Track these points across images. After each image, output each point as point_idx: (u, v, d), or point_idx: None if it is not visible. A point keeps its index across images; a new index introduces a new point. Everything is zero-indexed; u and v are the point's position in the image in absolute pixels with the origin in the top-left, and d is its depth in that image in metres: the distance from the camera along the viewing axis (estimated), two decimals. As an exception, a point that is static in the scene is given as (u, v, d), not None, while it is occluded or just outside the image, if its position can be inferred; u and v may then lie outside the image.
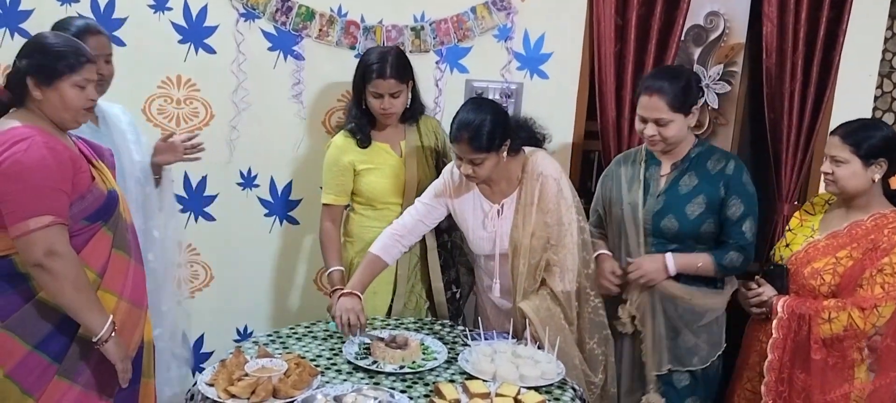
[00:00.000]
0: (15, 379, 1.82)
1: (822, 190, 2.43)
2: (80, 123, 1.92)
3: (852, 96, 2.97)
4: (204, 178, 2.86)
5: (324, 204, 2.60)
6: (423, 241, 2.62)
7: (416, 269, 2.67)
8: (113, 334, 1.84)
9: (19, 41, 2.58)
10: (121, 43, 2.69)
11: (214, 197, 2.90)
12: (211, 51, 2.75)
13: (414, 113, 2.62)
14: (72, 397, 1.86)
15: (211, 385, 1.94)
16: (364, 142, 2.55)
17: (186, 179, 2.86)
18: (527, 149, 2.40)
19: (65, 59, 1.83)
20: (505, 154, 2.29)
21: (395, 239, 2.46)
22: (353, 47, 2.80)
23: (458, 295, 2.73)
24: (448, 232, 2.67)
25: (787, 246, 2.34)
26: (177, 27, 2.71)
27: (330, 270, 2.56)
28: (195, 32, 2.73)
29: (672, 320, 2.41)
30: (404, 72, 2.49)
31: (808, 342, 2.17)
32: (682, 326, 2.41)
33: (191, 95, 2.78)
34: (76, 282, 1.78)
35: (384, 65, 2.44)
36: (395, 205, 2.61)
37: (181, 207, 2.86)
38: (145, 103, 2.75)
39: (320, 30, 2.78)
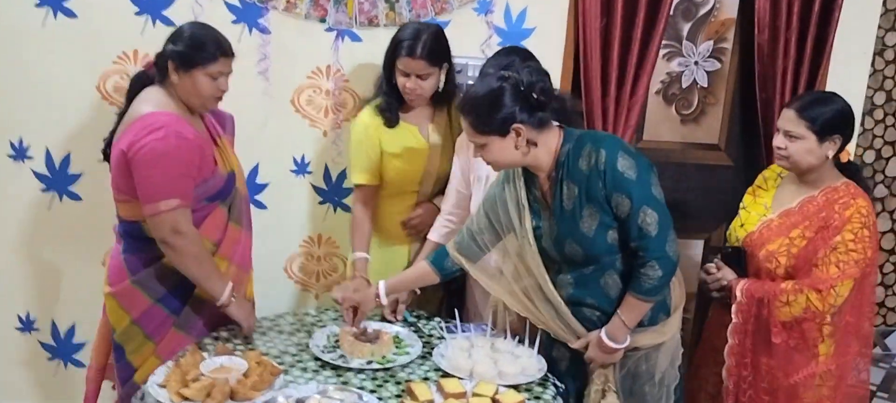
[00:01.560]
0: (140, 325, 2.12)
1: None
2: (206, 109, 2.12)
3: (846, 74, 2.86)
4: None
5: (355, 185, 2.48)
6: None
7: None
8: (234, 298, 2.08)
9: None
10: (71, 14, 2.50)
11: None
12: (170, 23, 2.55)
13: (447, 96, 2.46)
14: (186, 344, 2.07)
15: (163, 386, 1.80)
16: (391, 122, 2.42)
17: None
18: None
19: (204, 50, 2.02)
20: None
21: (444, 220, 2.37)
22: (323, 20, 2.63)
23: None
24: None
25: (742, 225, 2.28)
26: (133, -2, 2.53)
27: (354, 256, 2.45)
28: (152, 3, 2.54)
29: (628, 381, 2.03)
30: (438, 54, 2.34)
31: (769, 325, 2.14)
32: (640, 384, 2.04)
33: (149, 71, 2.59)
34: (197, 257, 2.03)
35: (415, 43, 2.30)
36: (411, 194, 2.49)
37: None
38: (100, 80, 2.57)
39: (288, 1, 2.60)
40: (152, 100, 2.04)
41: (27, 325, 2.77)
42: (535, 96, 1.84)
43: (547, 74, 1.92)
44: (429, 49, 2.31)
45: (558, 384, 2.01)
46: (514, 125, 1.84)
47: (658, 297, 1.93)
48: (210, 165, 2.08)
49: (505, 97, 1.83)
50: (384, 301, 2.17)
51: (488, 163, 1.95)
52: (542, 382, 1.98)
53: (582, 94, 2.72)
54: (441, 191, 2.52)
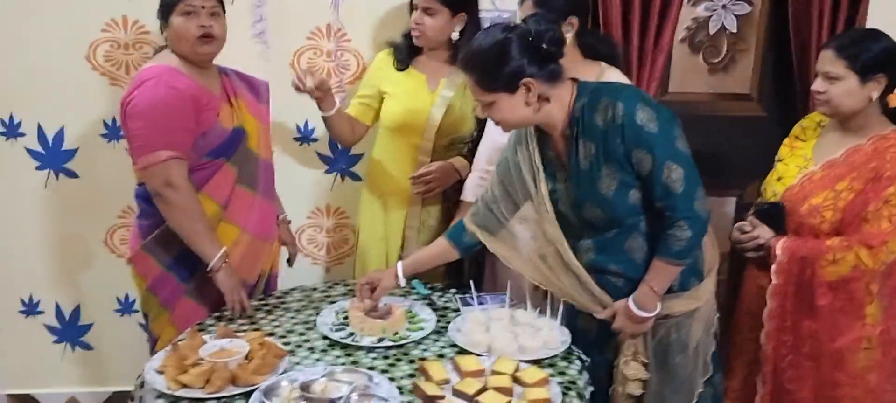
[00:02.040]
0: (154, 292, 2.08)
1: None
2: (201, 54, 1.99)
3: (889, 12, 2.63)
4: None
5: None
6: (445, 194, 2.38)
7: (427, 226, 2.40)
8: (224, 264, 1.97)
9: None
10: (56, -19, 2.36)
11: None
12: (160, -15, 2.41)
13: None
14: (200, 316, 2.03)
15: (161, 372, 1.68)
16: (401, 64, 2.33)
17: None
18: (600, 64, 2.09)
19: None
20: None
21: (479, 178, 2.23)
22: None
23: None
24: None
25: (780, 179, 2.10)
26: (119, -40, 2.38)
27: None
28: (140, -34, 2.39)
29: (659, 354, 1.87)
30: None
31: (813, 286, 2.00)
32: (673, 354, 1.87)
33: (140, 38, 2.45)
34: (189, 213, 1.94)
35: None
36: (410, 147, 2.34)
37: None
38: (89, 49, 2.43)
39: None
40: (155, 60, 2.01)
41: (30, 308, 2.68)
42: (544, 47, 1.67)
43: (557, 23, 1.74)
44: None
45: (584, 357, 1.87)
46: (524, 80, 1.68)
47: (688, 260, 1.77)
48: (210, 118, 1.98)
49: (512, 49, 1.66)
50: (403, 282, 2.03)
51: (497, 123, 1.78)
52: (567, 355, 1.83)
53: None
54: (458, 153, 2.38)
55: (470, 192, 2.26)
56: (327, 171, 2.70)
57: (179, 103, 1.92)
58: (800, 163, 2.10)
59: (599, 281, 1.83)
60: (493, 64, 1.67)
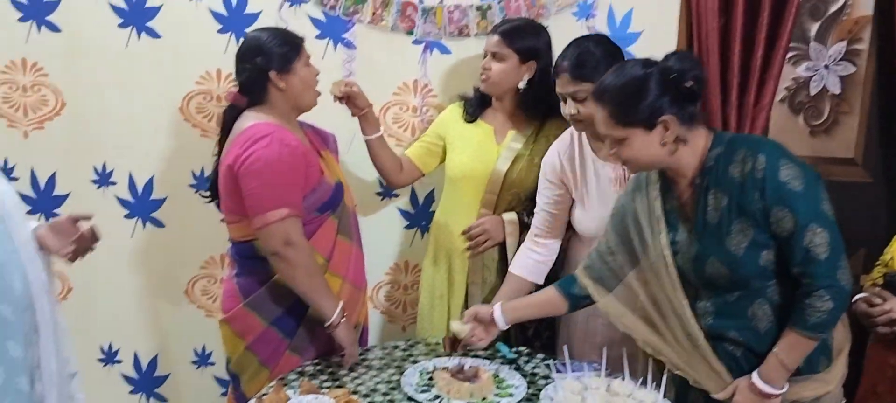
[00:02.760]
0: (254, 351, 2.05)
1: None
2: (315, 102, 2.07)
3: None
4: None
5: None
6: (502, 245, 2.28)
7: (492, 278, 2.31)
8: (343, 319, 1.96)
9: (46, 34, 2.38)
10: (155, 35, 2.41)
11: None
12: (253, 41, 2.44)
13: (537, 105, 2.26)
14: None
15: (244, 428, 1.62)
16: (470, 116, 2.31)
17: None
18: None
19: (290, 43, 2.01)
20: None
21: (528, 249, 2.16)
22: (410, 32, 2.47)
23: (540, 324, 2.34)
24: None
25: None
26: (216, 15, 2.42)
27: None
28: (236, 21, 2.43)
29: None
30: (519, 39, 2.21)
31: None
32: None
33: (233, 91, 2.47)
34: (308, 270, 1.94)
35: (503, 24, 2.28)
36: (473, 200, 2.28)
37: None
38: (183, 101, 2.47)
39: (373, 13, 2.45)
40: (252, 118, 2.00)
41: (109, 357, 2.68)
42: (686, 86, 1.58)
43: (699, 63, 1.66)
44: (511, 29, 2.21)
45: (690, 434, 1.72)
46: (663, 117, 1.59)
47: (824, 334, 1.60)
48: (316, 174, 2.01)
49: (651, 84, 1.58)
50: (502, 325, 1.94)
51: (624, 163, 1.68)
52: (671, 432, 1.69)
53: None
54: (517, 208, 2.29)
55: (517, 264, 2.17)
56: (407, 227, 2.65)
57: (294, 161, 1.93)
58: None
59: (716, 348, 1.69)
60: (632, 97, 1.59)
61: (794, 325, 1.58)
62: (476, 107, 2.32)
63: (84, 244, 1.62)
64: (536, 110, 2.27)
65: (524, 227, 2.26)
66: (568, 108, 2.00)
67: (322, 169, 2.04)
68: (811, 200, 1.55)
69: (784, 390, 1.62)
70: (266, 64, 1.98)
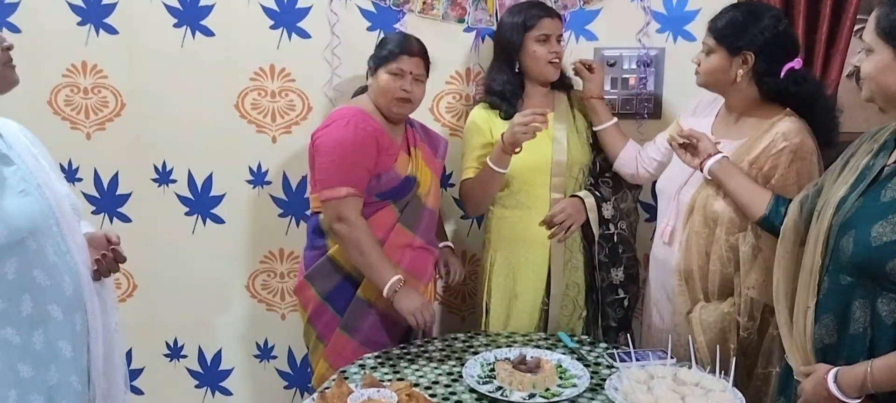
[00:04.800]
0: (312, 324, 2.19)
1: None
2: (395, 113, 2.10)
3: None
4: (303, 179, 2.57)
5: (463, 181, 2.28)
6: (582, 230, 2.26)
7: (571, 267, 2.28)
8: (400, 287, 2.00)
9: (105, 37, 2.44)
10: (209, 33, 2.45)
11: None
12: (306, 35, 2.46)
13: (564, 77, 2.30)
14: (350, 350, 2.11)
15: (309, 421, 1.63)
16: (510, 112, 2.21)
17: (286, 181, 2.58)
18: (788, 111, 1.92)
19: (385, 48, 2.10)
20: (744, 71, 1.74)
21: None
22: (461, 20, 2.44)
23: (625, 302, 2.30)
24: (614, 221, 2.27)
25: None
26: (267, 11, 2.44)
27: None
28: (287, 16, 2.44)
29: None
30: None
31: None
32: None
33: (285, 86, 2.50)
34: (360, 246, 2.02)
35: (545, 5, 2.25)
36: (542, 188, 2.23)
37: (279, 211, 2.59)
38: (238, 98, 2.50)
39: (424, 3, 2.43)
40: (353, 102, 2.16)
41: (175, 352, 2.74)
42: None
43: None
44: (556, 10, 2.28)
45: (761, 424, 1.67)
46: None
47: None
48: (388, 162, 2.07)
49: None
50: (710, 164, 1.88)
51: (861, 77, 1.51)
52: (743, 422, 1.64)
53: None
54: (582, 186, 2.28)
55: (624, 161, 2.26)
56: (462, 217, 2.63)
57: (363, 144, 2.01)
58: None
59: (815, 323, 1.55)
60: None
61: None
62: (510, 102, 2.24)
63: (107, 264, 1.63)
64: (561, 83, 2.30)
65: (599, 202, 2.25)
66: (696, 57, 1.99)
67: (396, 158, 2.09)
68: None
69: (842, 397, 1.45)
70: (370, 58, 2.14)
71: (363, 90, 2.20)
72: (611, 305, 2.29)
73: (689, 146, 1.94)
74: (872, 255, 1.42)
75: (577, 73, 2.30)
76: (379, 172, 2.06)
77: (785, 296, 1.64)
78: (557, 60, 2.22)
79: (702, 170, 1.91)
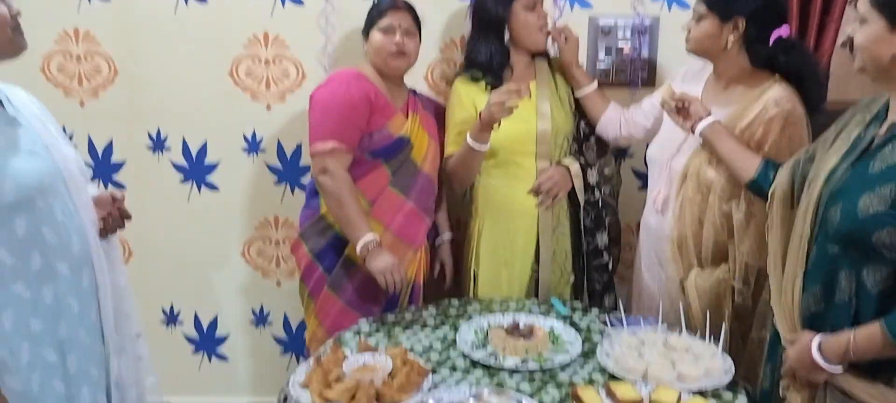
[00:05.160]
0: (304, 281, 2.23)
1: None
2: (391, 67, 2.14)
3: None
4: (298, 147, 2.57)
5: (446, 157, 2.27)
6: (570, 197, 2.28)
7: (559, 233, 2.30)
8: (374, 248, 2.04)
9: (97, 3, 2.42)
10: (202, 0, 2.43)
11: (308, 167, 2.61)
12: (298, 2, 2.44)
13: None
14: (336, 310, 2.16)
15: (305, 386, 1.65)
16: (495, 82, 2.20)
17: (281, 153, 2.59)
18: (777, 77, 1.93)
19: (374, 9, 2.15)
20: (735, 37, 1.77)
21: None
22: (456, -13, 2.43)
23: (609, 265, 2.34)
24: (598, 187, 2.30)
25: None
26: (261, -23, 2.42)
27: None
28: (281, -18, 2.43)
29: None
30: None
31: None
32: None
33: (280, 54, 2.49)
34: (341, 200, 2.06)
35: None
36: (527, 158, 2.24)
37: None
38: (232, 65, 2.49)
39: (419, -30, 2.41)
40: (355, 66, 2.19)
41: (171, 318, 2.77)
42: None
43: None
44: None
45: (749, 388, 1.70)
46: None
47: None
48: (380, 120, 2.11)
49: None
50: (699, 129, 1.91)
51: (853, 45, 1.49)
52: (731, 387, 1.67)
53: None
54: (567, 152, 2.28)
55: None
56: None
57: (354, 101, 2.06)
58: None
59: (803, 291, 1.56)
60: None
61: (887, 322, 1.40)
62: (496, 74, 2.22)
63: (113, 221, 1.70)
64: (543, 52, 2.31)
65: (584, 168, 2.27)
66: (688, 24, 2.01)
67: (390, 118, 2.12)
68: None
69: (835, 370, 1.48)
70: (364, 27, 2.18)
71: None
72: (596, 269, 2.33)
73: (681, 109, 1.95)
74: (858, 226, 1.44)
75: (553, 41, 2.30)
76: (371, 131, 2.09)
77: (778, 265, 1.66)
78: (543, 22, 2.22)
79: (693, 133, 1.92)
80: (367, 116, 2.08)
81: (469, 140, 2.12)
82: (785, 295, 1.60)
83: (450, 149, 2.26)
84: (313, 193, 2.21)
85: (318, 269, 2.19)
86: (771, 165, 1.82)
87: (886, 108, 1.53)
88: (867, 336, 1.43)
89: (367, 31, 2.15)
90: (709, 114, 1.92)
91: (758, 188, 1.84)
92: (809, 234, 1.56)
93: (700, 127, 1.90)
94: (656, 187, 2.08)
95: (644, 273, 2.14)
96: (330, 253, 2.18)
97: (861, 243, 1.44)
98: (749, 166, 1.85)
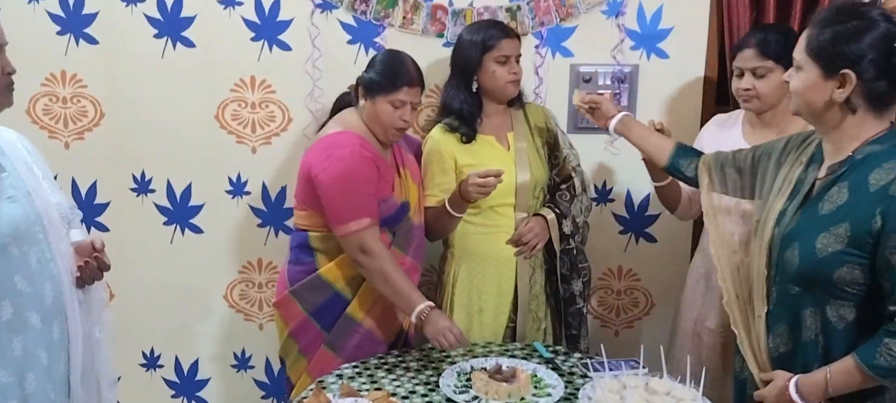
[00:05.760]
0: (295, 338, 2.17)
1: None
2: (389, 139, 2.13)
3: None
4: (282, 190, 2.59)
5: (426, 208, 2.26)
6: (547, 247, 2.30)
7: (534, 281, 2.32)
8: (422, 319, 1.98)
9: (84, 46, 2.44)
10: (190, 44, 2.46)
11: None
12: (287, 48, 2.48)
13: (519, 95, 2.32)
14: (334, 366, 2.07)
15: (287, 431, 1.64)
16: (469, 135, 2.23)
17: (265, 195, 2.60)
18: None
19: (387, 77, 2.07)
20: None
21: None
22: (440, 35, 2.48)
23: (584, 310, 2.36)
24: (573, 236, 2.32)
25: None
26: (249, 23, 2.46)
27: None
28: (268, 28, 2.47)
29: None
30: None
31: None
32: None
33: (266, 98, 2.52)
34: (385, 276, 2.01)
35: (505, 26, 2.28)
36: (507, 208, 2.27)
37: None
38: (219, 109, 2.52)
39: (404, 17, 2.47)
40: (343, 121, 2.13)
41: (151, 362, 2.74)
42: None
43: None
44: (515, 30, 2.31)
45: (730, 432, 1.72)
46: (846, 71, 1.45)
47: (886, 381, 1.46)
48: (387, 189, 2.10)
49: (867, 36, 1.44)
50: (612, 126, 2.05)
51: (791, 89, 1.56)
52: (712, 430, 1.69)
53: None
54: (543, 203, 2.31)
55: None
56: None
57: (369, 173, 2.03)
58: None
59: (769, 332, 1.61)
60: (839, 35, 1.45)
61: (859, 355, 1.45)
62: (469, 124, 2.23)
63: (90, 271, 1.64)
64: (519, 95, 2.32)
65: (560, 218, 2.29)
66: (743, 83, 2.07)
67: (394, 186, 2.11)
68: None
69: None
70: (361, 78, 2.12)
71: (345, 104, 2.21)
72: (572, 315, 2.34)
73: (593, 110, 2.09)
74: (819, 265, 1.49)
75: (585, 113, 2.17)
76: (380, 199, 2.07)
77: (733, 306, 1.69)
78: (517, 80, 2.24)
79: (608, 129, 2.06)
80: (378, 183, 2.05)
81: (449, 208, 2.16)
82: (752, 335, 1.64)
83: (429, 201, 2.26)
84: (303, 250, 2.15)
85: (315, 327, 2.15)
86: (682, 150, 1.95)
87: (820, 150, 1.60)
88: (842, 371, 1.47)
89: (371, 92, 2.08)
90: (619, 110, 2.06)
91: (674, 169, 1.96)
92: (766, 275, 1.62)
93: (612, 123, 2.04)
94: None
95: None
96: (329, 311, 2.13)
97: (822, 282, 1.50)
98: (663, 150, 1.97)
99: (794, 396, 1.52)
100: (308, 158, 2.07)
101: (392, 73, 2.07)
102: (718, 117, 2.30)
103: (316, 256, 2.13)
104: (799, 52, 1.53)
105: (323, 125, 2.22)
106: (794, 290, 1.56)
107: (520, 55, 2.26)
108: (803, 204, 1.58)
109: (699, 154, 1.94)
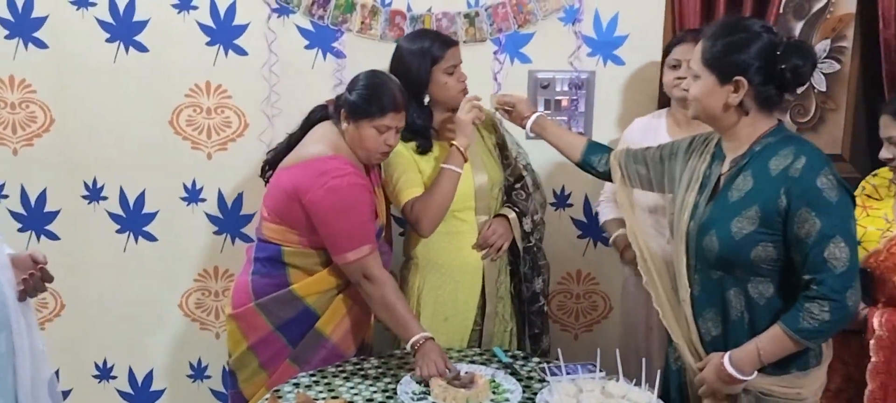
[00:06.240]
0: (255, 352, 2.09)
1: None
2: (372, 162, 2.09)
3: None
4: (239, 196, 2.56)
5: (413, 201, 2.16)
6: (510, 247, 2.30)
7: (500, 282, 2.33)
8: (421, 345, 1.95)
9: (33, 51, 2.39)
10: (143, 49, 2.42)
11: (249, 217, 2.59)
12: (242, 52, 2.46)
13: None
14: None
15: (241, 441, 1.62)
16: (426, 147, 2.20)
17: (219, 205, 2.56)
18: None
19: (373, 103, 1.99)
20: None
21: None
22: (398, 41, 2.47)
23: (545, 307, 2.38)
24: (532, 234, 2.32)
25: (859, 243, 1.92)
26: (204, 28, 2.43)
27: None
28: (224, 33, 2.44)
29: None
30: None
31: None
32: None
33: (222, 103, 2.49)
34: (387, 303, 2.00)
35: (442, 34, 2.24)
36: (468, 213, 2.25)
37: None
38: (173, 114, 2.48)
39: (362, 22, 2.46)
40: (326, 141, 2.03)
41: (104, 373, 2.68)
42: (783, 70, 1.60)
43: (813, 63, 1.65)
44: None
45: (684, 433, 1.75)
46: (739, 78, 1.61)
47: (811, 342, 1.62)
48: (375, 214, 2.08)
49: (753, 46, 1.60)
50: (528, 126, 2.14)
51: (688, 96, 1.75)
52: (666, 431, 1.71)
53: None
54: (502, 203, 2.32)
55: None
56: (401, 234, 2.65)
57: (368, 201, 2.02)
58: (880, 226, 1.97)
59: (697, 319, 1.75)
60: (730, 45, 1.62)
61: (784, 322, 1.60)
62: (424, 135, 2.20)
63: (34, 284, 1.58)
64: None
65: (520, 217, 2.29)
66: (679, 73, 2.22)
67: (376, 211, 2.09)
68: (842, 215, 1.56)
69: (750, 378, 1.65)
70: (344, 100, 2.03)
71: (319, 118, 2.12)
72: (535, 313, 2.37)
73: (510, 111, 2.17)
74: (736, 247, 1.63)
75: (502, 114, 2.23)
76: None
77: (664, 302, 1.82)
78: (463, 84, 2.21)
79: (524, 128, 2.14)
80: (371, 208, 2.03)
81: (450, 166, 2.12)
82: (682, 324, 1.77)
83: (411, 192, 2.16)
84: (273, 264, 2.06)
85: (281, 341, 2.07)
86: (593, 146, 2.07)
87: (721, 148, 1.76)
88: (770, 338, 1.62)
89: (355, 116, 2.00)
90: (534, 111, 2.14)
91: (587, 165, 2.07)
92: (687, 264, 1.76)
93: (528, 123, 2.12)
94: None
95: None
96: (297, 325, 2.07)
97: (741, 262, 1.65)
98: (576, 147, 2.08)
99: (730, 369, 1.64)
100: (295, 178, 1.98)
101: (377, 99, 2.00)
102: (640, 120, 2.42)
103: (288, 271, 2.06)
104: (696, 63, 1.68)
105: (294, 137, 2.12)
106: (715, 275, 1.70)
107: (461, 61, 2.21)
108: (713, 197, 1.73)
109: (610, 150, 2.06)
